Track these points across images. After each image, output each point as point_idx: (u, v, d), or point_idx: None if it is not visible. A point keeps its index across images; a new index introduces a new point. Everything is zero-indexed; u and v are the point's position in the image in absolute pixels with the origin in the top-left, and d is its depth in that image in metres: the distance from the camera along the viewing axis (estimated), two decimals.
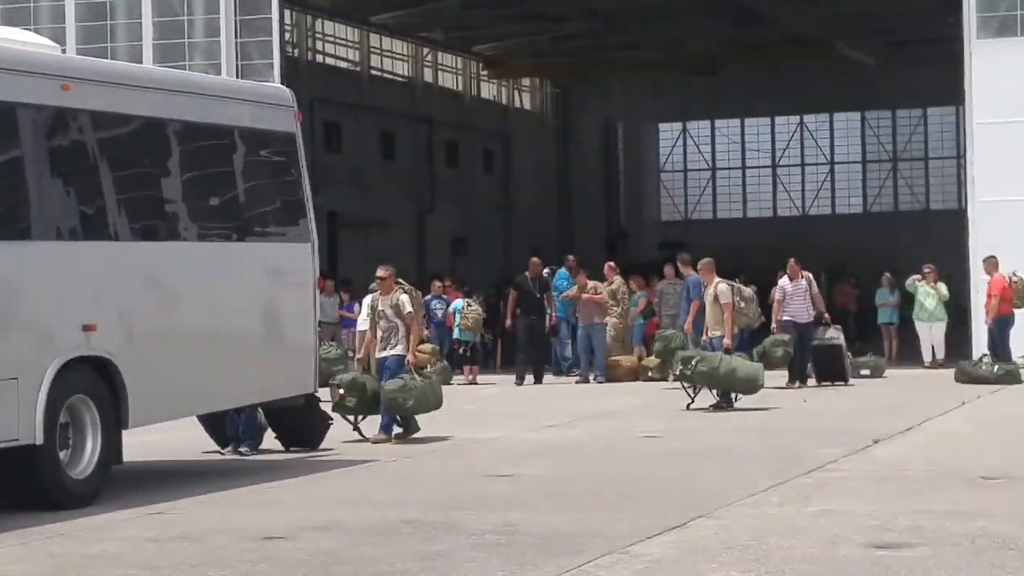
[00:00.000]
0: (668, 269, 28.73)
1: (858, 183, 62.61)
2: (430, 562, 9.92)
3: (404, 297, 18.33)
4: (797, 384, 25.39)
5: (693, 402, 21.29)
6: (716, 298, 21.67)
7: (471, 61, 53.08)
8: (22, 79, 12.89)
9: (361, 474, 15.19)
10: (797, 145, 63.09)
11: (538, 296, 28.34)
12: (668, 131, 64.63)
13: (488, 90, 55.13)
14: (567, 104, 58.52)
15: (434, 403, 18.31)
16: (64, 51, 16.44)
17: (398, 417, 18.06)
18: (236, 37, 30.81)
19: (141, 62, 29.48)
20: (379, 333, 18.32)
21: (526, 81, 56.88)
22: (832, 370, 26.20)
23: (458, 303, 30.11)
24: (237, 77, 29.08)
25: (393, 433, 18.06)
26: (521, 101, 57.25)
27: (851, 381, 26.33)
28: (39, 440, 12.55)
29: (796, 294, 25.88)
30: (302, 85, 37.85)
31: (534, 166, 56.03)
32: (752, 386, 21.11)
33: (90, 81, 13.71)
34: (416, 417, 18.12)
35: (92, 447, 13.23)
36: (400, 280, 18.80)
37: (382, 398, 17.84)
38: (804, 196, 63.05)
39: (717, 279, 22.04)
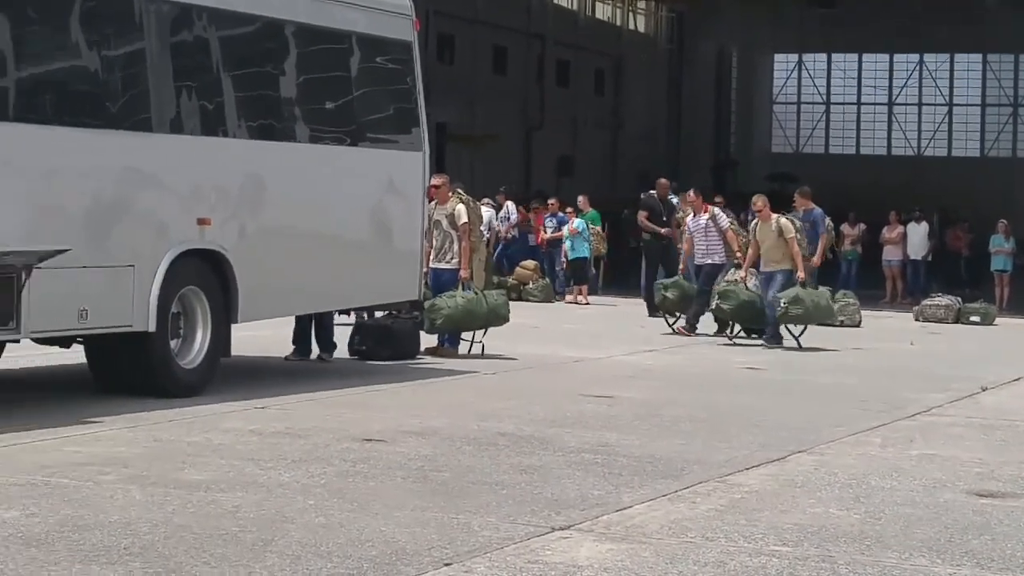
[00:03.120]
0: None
1: (976, 126, 61.73)
2: (526, 475, 9.96)
3: (461, 207, 18.00)
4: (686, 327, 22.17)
5: (731, 337, 21.45)
6: (781, 232, 20.81)
7: None
8: None
9: (459, 384, 15.27)
10: (915, 84, 62.25)
11: (664, 219, 27.01)
12: (783, 62, 64.00)
13: (603, 11, 54.79)
14: (682, 29, 58.10)
15: (488, 319, 17.91)
16: None
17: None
18: None
19: None
20: (434, 243, 17.96)
21: (641, 3, 56.44)
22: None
23: (579, 221, 30.12)
24: None
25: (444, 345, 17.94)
26: (636, 23, 56.84)
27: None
28: (152, 327, 12.77)
29: (697, 232, 22.45)
30: None
31: (645, 90, 55.73)
32: (829, 313, 21.39)
33: None
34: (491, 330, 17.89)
35: (202, 338, 13.45)
36: (459, 190, 18.59)
37: (424, 317, 17.56)
38: (920, 136, 62.28)
39: (775, 214, 21.38)
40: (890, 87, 62.59)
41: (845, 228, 34.32)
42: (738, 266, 21.76)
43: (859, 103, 63.10)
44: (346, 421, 12.07)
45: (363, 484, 9.46)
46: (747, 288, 20.99)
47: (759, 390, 15.62)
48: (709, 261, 22.18)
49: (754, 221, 21.59)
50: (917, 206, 36.32)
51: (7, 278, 11.40)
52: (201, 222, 13.34)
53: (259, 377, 14.93)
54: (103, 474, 9.40)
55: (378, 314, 17.77)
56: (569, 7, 52.81)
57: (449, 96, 42.75)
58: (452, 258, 18.07)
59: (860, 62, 62.84)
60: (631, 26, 56.37)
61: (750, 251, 21.34)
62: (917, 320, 27.22)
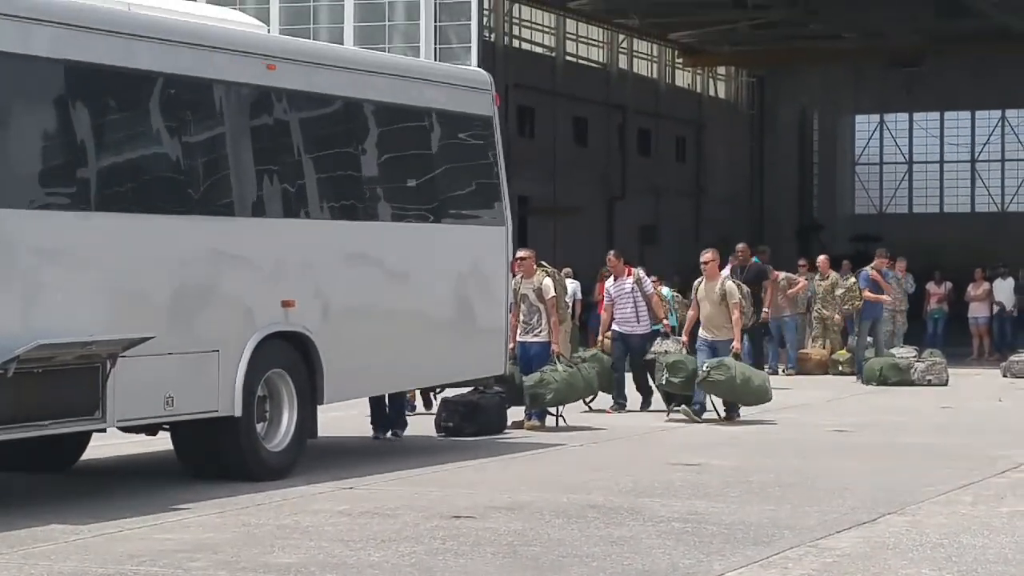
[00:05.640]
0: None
1: None
2: (616, 546, 9.94)
3: (548, 281, 18.12)
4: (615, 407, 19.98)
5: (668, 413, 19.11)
6: (724, 296, 18.72)
7: (666, 48, 52.92)
8: (228, 58, 13.17)
9: (546, 458, 15.26)
10: (998, 140, 61.88)
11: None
12: (864, 123, 63.82)
13: (682, 78, 54.94)
14: (762, 93, 58.10)
15: (584, 391, 18.16)
16: (268, 31, 16.74)
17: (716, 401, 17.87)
18: (435, 20, 31.13)
19: (342, 43, 29.88)
20: (521, 317, 18.06)
21: (721, 69, 56.55)
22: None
23: (667, 290, 30.05)
24: (435, 60, 29.32)
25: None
26: (716, 89, 56.94)
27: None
28: (237, 412, 12.83)
29: (620, 297, 20.37)
30: (498, 69, 38.10)
31: (727, 155, 55.75)
32: (765, 396, 18.81)
33: (293, 61, 13.94)
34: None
35: (288, 420, 13.49)
36: (543, 263, 18.66)
37: (525, 393, 17.60)
38: (1003, 192, 61.85)
39: (724, 274, 19.57)
40: (972, 144, 62.26)
41: (931, 287, 34.11)
42: (665, 335, 19.98)
43: (942, 161, 62.80)
44: (434, 499, 12.09)
45: (453, 562, 9.48)
46: (687, 353, 19.00)
47: (848, 453, 15.50)
48: (637, 331, 20.13)
49: (698, 280, 19.26)
50: (1001, 261, 36.05)
51: (92, 367, 11.51)
52: (285, 304, 13.43)
53: (346, 457, 14.98)
54: (192, 560, 9.46)
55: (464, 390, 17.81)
56: (649, 75, 52.98)
57: (531, 169, 42.96)
58: (540, 331, 18.12)
59: (942, 120, 62.58)
60: (711, 92, 56.45)
61: (690, 312, 19.50)
62: (1004, 376, 26.96)
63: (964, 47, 49.65)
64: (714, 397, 18.72)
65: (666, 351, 19.38)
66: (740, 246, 25.63)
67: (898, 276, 29.25)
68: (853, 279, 27.53)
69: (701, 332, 18.88)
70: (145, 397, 12.14)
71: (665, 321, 20.46)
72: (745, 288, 19.66)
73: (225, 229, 13.02)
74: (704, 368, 18.16)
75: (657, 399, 19.85)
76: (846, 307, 27.45)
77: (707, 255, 19.07)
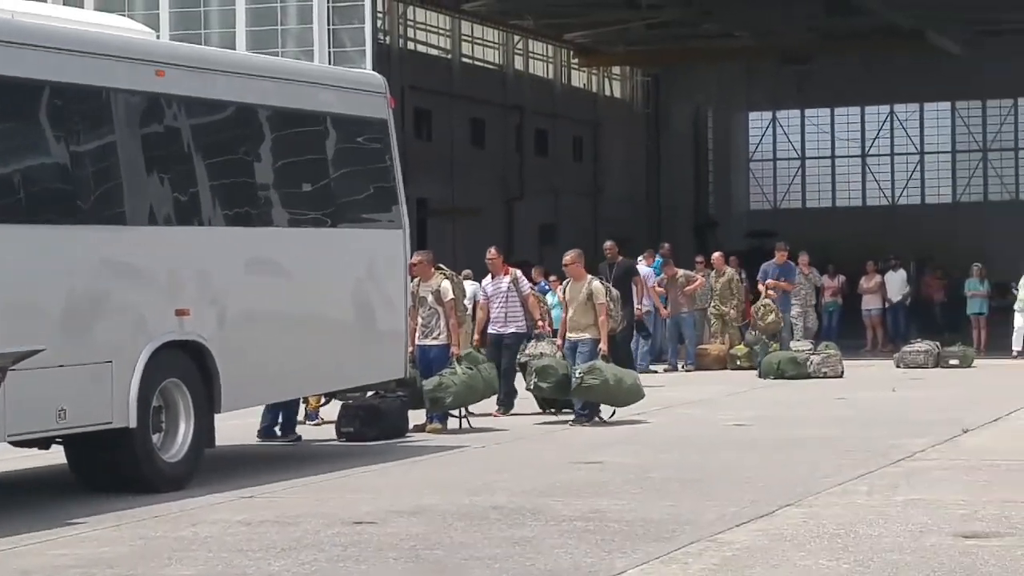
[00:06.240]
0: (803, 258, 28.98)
1: (947, 173, 62.15)
2: (519, 547, 9.95)
3: (447, 284, 18.04)
4: (500, 409, 19.66)
5: (545, 412, 19.12)
6: (590, 296, 18.45)
7: (562, 49, 53.06)
8: (116, 65, 13.04)
9: (449, 460, 15.25)
10: (887, 135, 62.70)
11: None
12: (757, 120, 64.37)
13: (578, 78, 55.09)
14: (657, 92, 58.38)
15: (484, 392, 18.01)
16: (158, 37, 16.60)
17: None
18: (328, 24, 30.99)
19: (234, 49, 29.68)
20: (420, 320, 17.96)
21: (616, 69, 56.77)
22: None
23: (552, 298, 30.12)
24: (329, 64, 29.21)
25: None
26: (612, 89, 57.15)
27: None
28: (132, 423, 12.68)
29: (496, 296, 19.90)
30: (393, 72, 38.01)
31: (623, 154, 55.97)
32: (638, 394, 18.42)
33: (183, 67, 13.82)
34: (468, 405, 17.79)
35: (185, 430, 13.35)
36: (441, 266, 18.57)
37: (424, 396, 17.50)
38: (894, 186, 62.66)
39: (590, 276, 19.01)
40: (863, 139, 63.02)
41: (825, 280, 34.48)
42: (540, 337, 19.76)
43: (833, 156, 63.49)
44: (335, 505, 12.03)
45: (355, 568, 9.44)
46: (563, 358, 18.58)
47: (746, 447, 15.63)
48: (510, 330, 19.77)
49: (565, 281, 19.14)
50: (892, 254, 36.56)
51: None
52: (180, 313, 13.30)
53: (245, 466, 14.87)
54: (89, 575, 9.35)
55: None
56: (545, 76, 53.10)
57: (428, 171, 42.90)
58: (439, 334, 18.07)
59: (833, 116, 63.28)
60: (607, 92, 56.67)
61: (563, 315, 19.03)
62: (898, 367, 27.32)
63: (853, 44, 50.18)
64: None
65: (541, 353, 19.17)
66: (608, 244, 25.46)
67: (814, 273, 29.65)
68: (735, 274, 28.32)
69: (568, 333, 18.67)
70: (37, 411, 11.95)
71: (540, 322, 20.13)
72: (615, 291, 19.40)
73: (116, 238, 12.88)
74: (577, 375, 17.78)
75: (531, 402, 19.40)
76: (734, 302, 28.04)
77: (568, 256, 18.82)
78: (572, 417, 18.44)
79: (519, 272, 20.58)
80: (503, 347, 19.68)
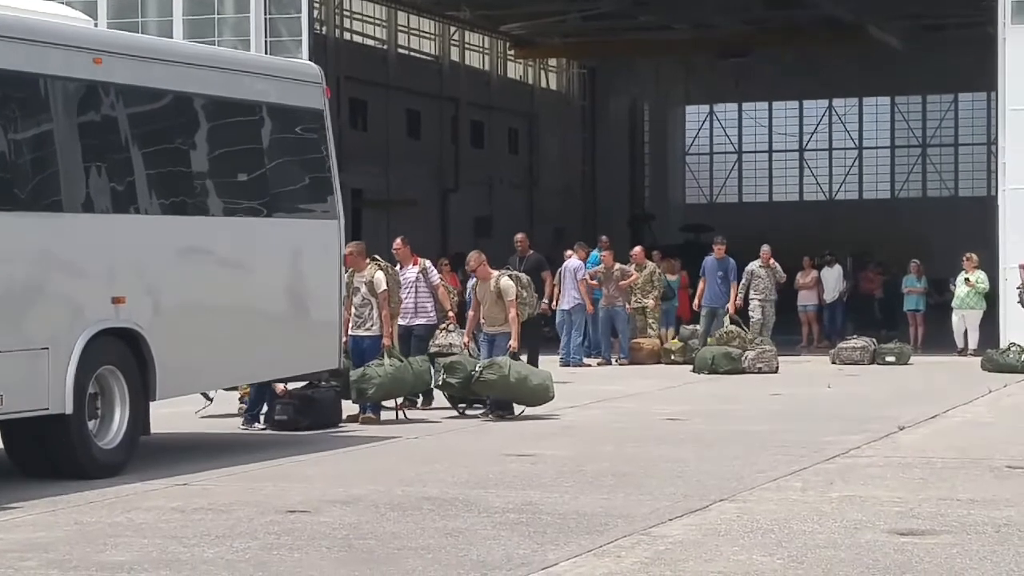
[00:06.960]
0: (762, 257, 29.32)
1: (886, 169, 62.48)
2: (451, 538, 9.99)
3: (380, 275, 17.97)
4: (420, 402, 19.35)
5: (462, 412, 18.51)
6: (500, 294, 18.42)
7: (498, 41, 53.04)
8: (55, 52, 12.98)
9: (381, 451, 15.26)
10: (825, 129, 62.95)
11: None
12: (695, 113, 64.54)
13: (515, 70, 55.09)
14: (594, 85, 58.44)
15: (414, 384, 18.00)
16: (95, 25, 16.50)
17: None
18: (265, 13, 30.84)
19: (171, 37, 29.53)
20: (353, 310, 17.90)
21: (552, 61, 56.79)
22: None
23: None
24: (266, 53, 29.11)
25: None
26: (548, 81, 57.18)
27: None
28: (68, 410, 12.68)
29: (404, 287, 19.19)
30: (329, 62, 37.93)
31: (559, 147, 56.00)
32: (545, 395, 18.23)
33: (121, 55, 13.78)
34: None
35: (120, 418, 13.38)
36: (376, 257, 18.51)
37: (351, 387, 17.42)
38: (831, 181, 62.95)
39: (497, 272, 18.89)
40: (800, 133, 63.28)
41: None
42: (448, 329, 19.57)
43: (770, 150, 63.73)
44: (269, 493, 12.04)
45: (288, 556, 9.46)
46: (471, 355, 18.57)
47: (680, 441, 15.70)
48: (419, 322, 19.52)
49: (471, 280, 19.25)
50: (828, 250, 36.68)
51: None
52: (116, 300, 13.30)
53: (180, 454, 14.85)
54: (23, 560, 9.33)
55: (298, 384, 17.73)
56: (482, 68, 53.08)
57: (364, 161, 42.81)
58: (372, 325, 18.05)
59: (771, 110, 63.50)
60: (543, 84, 56.69)
61: (471, 312, 19.04)
62: (834, 363, 27.46)
63: (791, 38, 50.32)
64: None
65: (450, 344, 19.13)
66: (519, 236, 25.58)
67: (775, 267, 29.75)
68: (655, 267, 28.54)
69: (484, 327, 18.64)
70: None
71: (451, 313, 19.92)
72: (525, 278, 19.20)
73: (53, 226, 12.84)
74: (476, 369, 17.73)
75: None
76: (654, 294, 28.28)
77: (472, 262, 18.78)
78: (482, 411, 18.36)
79: (428, 263, 20.33)
80: (413, 338, 19.47)
